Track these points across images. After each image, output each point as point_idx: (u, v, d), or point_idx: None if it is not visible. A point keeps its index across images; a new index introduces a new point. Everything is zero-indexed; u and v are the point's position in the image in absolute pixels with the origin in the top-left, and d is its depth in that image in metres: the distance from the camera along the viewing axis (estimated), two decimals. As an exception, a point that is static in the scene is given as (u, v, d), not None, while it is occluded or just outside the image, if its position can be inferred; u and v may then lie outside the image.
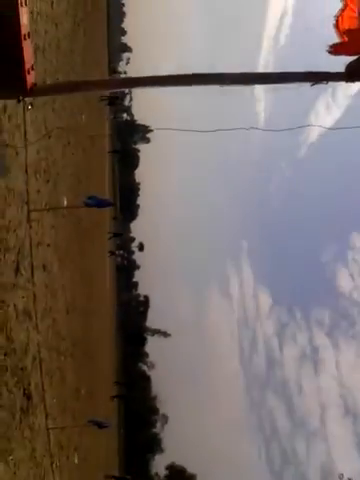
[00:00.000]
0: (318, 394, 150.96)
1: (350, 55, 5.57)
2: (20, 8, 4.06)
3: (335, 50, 5.52)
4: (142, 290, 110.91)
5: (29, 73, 4.34)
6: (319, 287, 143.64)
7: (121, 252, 64.01)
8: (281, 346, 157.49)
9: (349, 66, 5.60)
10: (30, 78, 4.37)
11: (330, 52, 5.54)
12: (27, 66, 4.24)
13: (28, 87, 4.38)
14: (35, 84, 4.57)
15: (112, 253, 56.90)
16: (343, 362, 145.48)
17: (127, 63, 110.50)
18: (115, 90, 6.85)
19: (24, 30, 4.14)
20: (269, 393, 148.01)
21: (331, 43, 5.54)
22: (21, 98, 4.53)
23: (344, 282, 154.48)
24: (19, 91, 4.30)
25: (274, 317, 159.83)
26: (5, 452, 7.57)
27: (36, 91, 4.58)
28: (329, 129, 7.69)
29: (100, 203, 14.49)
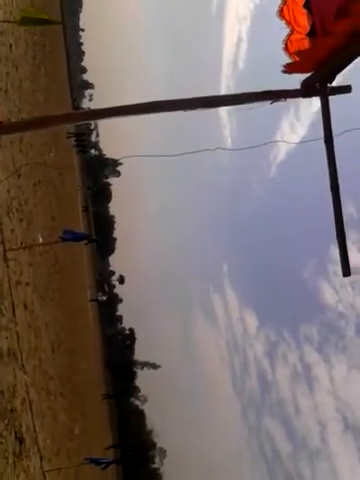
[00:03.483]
0: (316, 411, 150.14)
1: (304, 73, 5.84)
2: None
3: (289, 69, 5.78)
4: (127, 323, 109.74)
5: (-6, 111, 4.43)
6: (304, 303, 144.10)
7: (103, 297, 61.55)
8: (273, 366, 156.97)
9: (304, 83, 5.86)
10: (-4, 116, 4.46)
11: (285, 72, 5.81)
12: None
13: (-6, 125, 4.47)
14: (1, 122, 4.66)
15: (94, 300, 54.95)
16: (337, 376, 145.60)
17: (90, 99, 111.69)
18: (79, 123, 6.93)
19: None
20: (266, 416, 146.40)
21: (284, 63, 5.81)
22: (-12, 136, 4.61)
23: (328, 295, 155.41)
24: (-14, 129, 4.39)
25: (262, 338, 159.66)
26: (1, 499, 7.38)
27: (2, 129, 4.67)
28: (294, 144, 7.99)
29: (76, 237, 14.52)
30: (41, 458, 10.97)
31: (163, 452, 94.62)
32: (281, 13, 5.66)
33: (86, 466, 18.12)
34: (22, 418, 9.52)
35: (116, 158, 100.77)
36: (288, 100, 6.03)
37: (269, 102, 5.87)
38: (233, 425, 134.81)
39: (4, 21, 10.50)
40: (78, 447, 18.92)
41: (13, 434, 8.71)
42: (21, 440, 9.18)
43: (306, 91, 5.82)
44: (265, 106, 5.92)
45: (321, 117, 5.85)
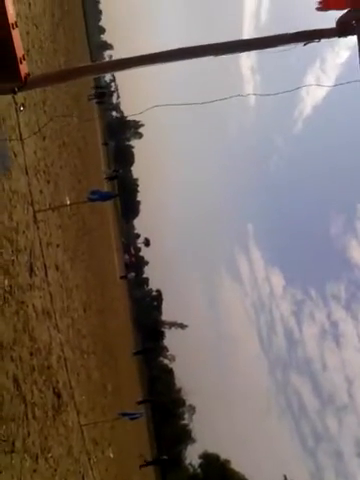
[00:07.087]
0: (343, 368, 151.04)
1: (339, 9, 5.53)
2: (4, -2, 4.03)
3: (324, 5, 5.49)
4: (153, 285, 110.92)
5: (21, 63, 4.31)
6: (331, 261, 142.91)
7: (132, 274, 61.07)
8: (300, 325, 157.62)
9: (340, 21, 5.56)
10: (23, 68, 4.34)
11: (319, 9, 5.52)
12: (19, 55, 4.21)
13: (22, 77, 4.35)
14: (29, 74, 4.54)
15: (124, 277, 54.45)
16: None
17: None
18: (106, 73, 6.80)
19: (11, 19, 4.11)
20: (293, 373, 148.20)
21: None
22: (16, 89, 4.49)
23: (356, 253, 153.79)
24: (14, 81, 4.27)
25: (289, 297, 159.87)
26: (44, 450, 7.64)
27: (31, 81, 4.56)
28: (327, 87, 7.78)
29: (104, 196, 14.50)
30: (78, 413, 11.31)
31: (192, 409, 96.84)
32: None
33: (120, 420, 18.69)
34: (58, 375, 9.77)
35: (138, 120, 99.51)
36: (316, 50, 5.76)
37: (302, 44, 5.61)
38: (260, 382, 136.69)
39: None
40: (111, 404, 19.48)
41: (51, 389, 8.95)
42: (59, 395, 9.45)
43: (342, 29, 5.53)
44: (297, 48, 5.66)
45: (352, 60, 5.58)
